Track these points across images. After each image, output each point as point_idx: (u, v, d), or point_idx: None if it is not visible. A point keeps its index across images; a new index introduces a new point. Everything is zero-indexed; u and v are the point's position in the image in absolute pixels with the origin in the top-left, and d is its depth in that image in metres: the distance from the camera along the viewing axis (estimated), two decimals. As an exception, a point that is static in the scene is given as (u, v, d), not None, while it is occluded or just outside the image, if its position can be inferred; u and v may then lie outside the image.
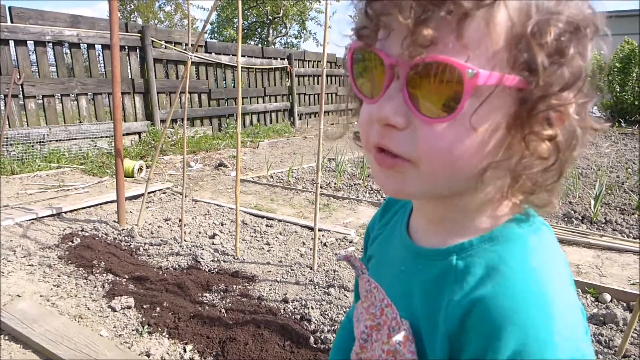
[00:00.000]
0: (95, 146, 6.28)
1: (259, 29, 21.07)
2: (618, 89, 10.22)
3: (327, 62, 3.24)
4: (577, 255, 2.95)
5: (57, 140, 5.94)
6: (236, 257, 2.91)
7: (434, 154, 0.44)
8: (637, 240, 3.18)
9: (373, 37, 0.45)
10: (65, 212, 3.75)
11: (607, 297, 2.35)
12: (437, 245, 0.52)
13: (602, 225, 3.51)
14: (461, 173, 0.45)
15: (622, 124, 9.43)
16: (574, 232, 3.33)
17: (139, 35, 7.02)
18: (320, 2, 18.63)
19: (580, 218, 3.65)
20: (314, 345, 1.97)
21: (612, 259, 2.90)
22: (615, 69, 10.28)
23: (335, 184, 4.92)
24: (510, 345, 0.40)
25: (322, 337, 2.01)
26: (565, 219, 3.68)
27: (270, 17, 19.78)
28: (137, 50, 7.06)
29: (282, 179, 5.25)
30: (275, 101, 10.20)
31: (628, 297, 2.32)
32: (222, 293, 2.45)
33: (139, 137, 7.04)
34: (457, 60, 0.40)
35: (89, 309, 2.29)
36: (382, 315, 0.56)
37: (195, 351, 1.95)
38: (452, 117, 0.42)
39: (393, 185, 0.48)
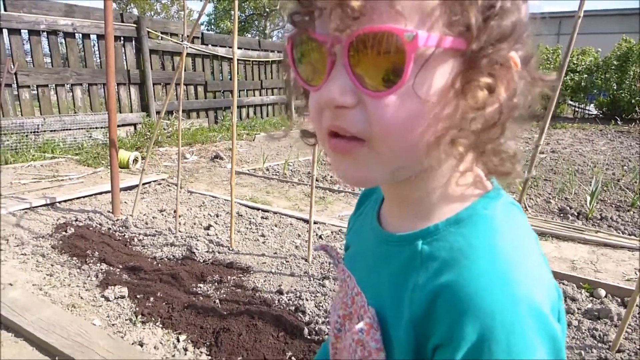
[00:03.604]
0: (90, 137, 6.23)
1: (256, 22, 20.98)
2: (615, 87, 10.23)
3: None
4: (573, 251, 2.95)
5: (51, 131, 5.88)
6: (231, 249, 2.89)
7: (388, 128, 0.42)
8: (633, 237, 3.19)
9: (309, 22, 0.43)
10: (59, 202, 3.72)
11: (602, 292, 2.35)
12: (404, 231, 0.50)
13: (598, 221, 3.52)
14: (419, 146, 0.43)
15: (619, 122, 9.44)
16: (569, 227, 3.33)
17: (135, 25, 6.95)
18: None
19: (576, 214, 3.66)
20: (308, 337, 1.96)
21: (607, 255, 2.90)
22: (613, 67, 10.30)
23: (331, 177, 4.90)
24: (475, 330, 0.39)
25: (316, 328, 2.00)
26: (561, 214, 3.68)
27: (267, 10, 19.69)
28: (133, 41, 6.99)
29: (278, 172, 5.23)
30: (272, 94, 10.15)
31: (622, 292, 2.33)
32: (216, 284, 2.43)
33: (135, 128, 6.99)
34: (393, 26, 0.39)
35: (82, 298, 2.27)
36: (353, 304, 0.55)
37: (189, 341, 1.94)
38: (398, 86, 0.40)
39: (354, 172, 0.46)
